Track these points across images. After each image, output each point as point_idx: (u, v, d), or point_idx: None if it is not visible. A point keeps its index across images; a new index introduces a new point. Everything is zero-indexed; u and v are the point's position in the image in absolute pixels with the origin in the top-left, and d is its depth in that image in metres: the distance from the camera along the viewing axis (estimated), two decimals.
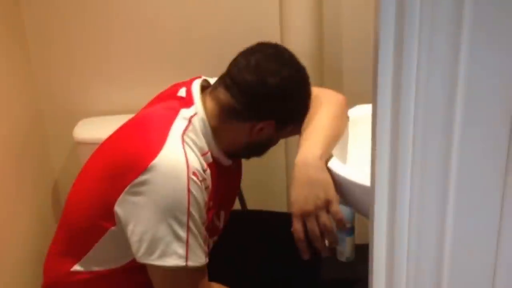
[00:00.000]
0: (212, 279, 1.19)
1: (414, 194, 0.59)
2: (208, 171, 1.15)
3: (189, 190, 1.07)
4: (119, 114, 1.81)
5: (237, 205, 1.57)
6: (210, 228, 1.24)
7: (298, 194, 1.11)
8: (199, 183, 1.09)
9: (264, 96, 1.16)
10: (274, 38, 1.77)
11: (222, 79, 1.20)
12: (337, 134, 1.23)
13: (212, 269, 1.19)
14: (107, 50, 1.85)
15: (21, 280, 1.64)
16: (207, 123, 1.17)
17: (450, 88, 0.57)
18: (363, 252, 1.94)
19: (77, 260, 1.20)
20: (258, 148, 1.26)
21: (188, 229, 1.07)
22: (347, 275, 1.93)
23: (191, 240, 1.08)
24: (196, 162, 1.11)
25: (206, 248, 1.14)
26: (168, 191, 1.07)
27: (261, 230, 1.47)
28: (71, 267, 1.21)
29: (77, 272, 1.21)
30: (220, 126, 1.18)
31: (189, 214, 1.07)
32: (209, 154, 1.17)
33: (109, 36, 1.83)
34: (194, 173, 1.08)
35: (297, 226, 1.11)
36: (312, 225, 1.11)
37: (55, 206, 1.94)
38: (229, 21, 1.81)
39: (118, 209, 1.10)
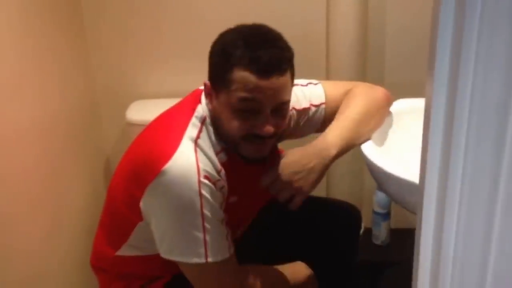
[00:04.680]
0: (247, 260, 1.21)
1: (463, 197, 0.59)
2: (223, 171, 1.14)
3: (200, 194, 1.07)
4: (171, 98, 1.84)
5: None
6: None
7: (289, 164, 1.15)
8: (211, 185, 1.09)
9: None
10: (320, 26, 1.79)
11: None
12: (362, 134, 1.23)
13: (248, 251, 1.20)
14: (163, 35, 1.91)
15: (75, 255, 1.71)
16: (208, 119, 1.15)
17: (506, 90, 0.55)
18: (397, 236, 1.98)
19: (117, 249, 1.24)
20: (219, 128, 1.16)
21: (204, 229, 1.09)
22: (382, 257, 1.97)
23: (209, 239, 1.09)
24: (208, 165, 1.11)
25: (229, 242, 1.15)
26: (179, 197, 1.07)
27: (299, 215, 1.48)
28: (114, 253, 1.25)
29: (119, 257, 1.25)
30: (211, 116, 1.16)
31: (203, 216, 1.08)
32: (222, 153, 1.15)
33: (165, 21, 1.88)
34: (205, 177, 1.08)
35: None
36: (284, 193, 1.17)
37: (107, 182, 2.00)
38: (278, 12, 1.84)
39: (142, 206, 1.12)
